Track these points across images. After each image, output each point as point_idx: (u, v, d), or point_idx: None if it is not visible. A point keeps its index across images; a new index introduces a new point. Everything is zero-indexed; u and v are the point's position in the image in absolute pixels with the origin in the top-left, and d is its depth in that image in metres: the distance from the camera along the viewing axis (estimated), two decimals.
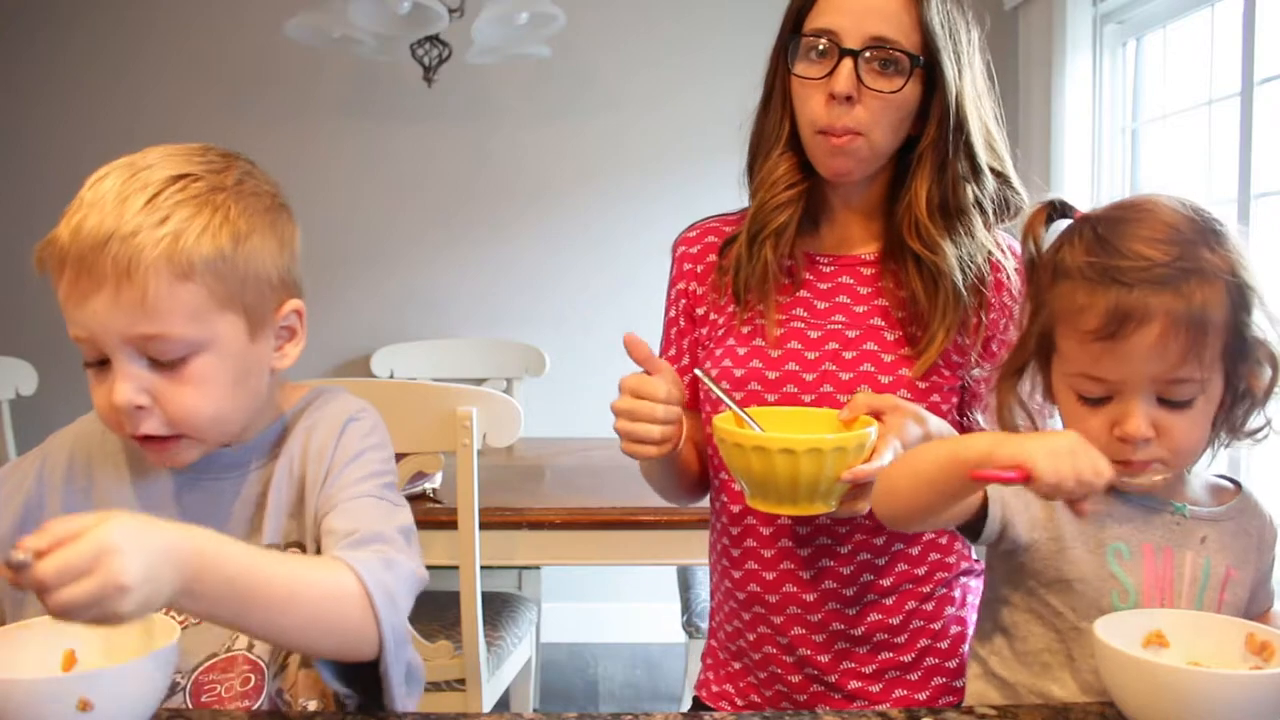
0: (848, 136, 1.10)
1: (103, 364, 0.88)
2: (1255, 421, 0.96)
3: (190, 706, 0.91)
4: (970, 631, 1.16)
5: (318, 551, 0.94)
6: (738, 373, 1.17)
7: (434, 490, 1.94)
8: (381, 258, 3.27)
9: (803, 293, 1.19)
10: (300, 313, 0.98)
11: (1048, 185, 2.97)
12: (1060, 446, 0.83)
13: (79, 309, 0.85)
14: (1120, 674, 0.81)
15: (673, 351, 1.29)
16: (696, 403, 1.26)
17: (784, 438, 0.97)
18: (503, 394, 1.75)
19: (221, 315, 0.89)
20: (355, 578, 0.83)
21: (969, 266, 1.14)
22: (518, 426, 1.74)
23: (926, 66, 1.10)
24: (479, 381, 2.85)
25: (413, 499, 1.88)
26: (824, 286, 1.19)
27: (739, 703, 1.22)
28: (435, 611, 2.02)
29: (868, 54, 1.08)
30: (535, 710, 2.40)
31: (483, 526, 1.73)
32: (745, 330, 1.19)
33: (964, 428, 1.19)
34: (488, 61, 2.80)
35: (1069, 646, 0.95)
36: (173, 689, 0.90)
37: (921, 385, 1.14)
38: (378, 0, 2.50)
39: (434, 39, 2.81)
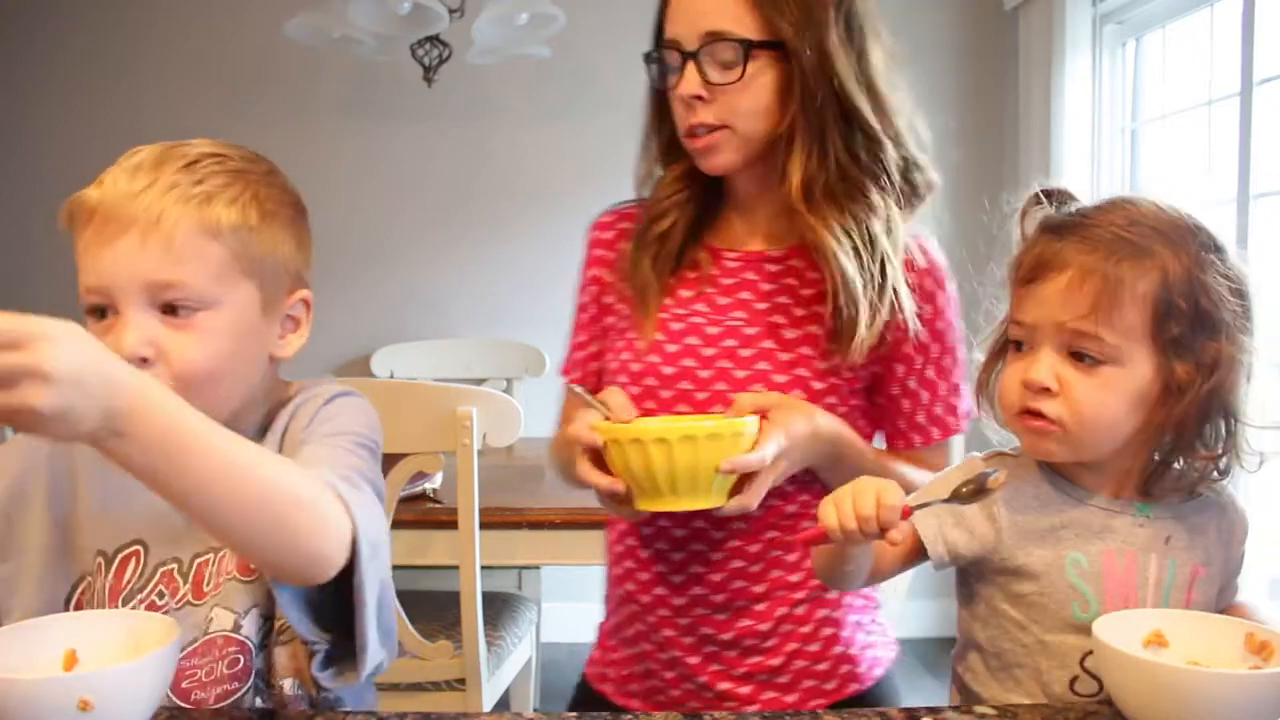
0: (709, 135, 1.10)
1: (103, 318, 0.87)
2: (1222, 442, 0.93)
3: (170, 694, 0.90)
4: (844, 633, 1.16)
5: None
6: (635, 367, 1.16)
7: (434, 490, 1.94)
8: (381, 258, 3.27)
9: (707, 288, 1.18)
10: (308, 303, 0.99)
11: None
12: (841, 492, 0.87)
13: (100, 253, 0.86)
14: (1120, 674, 0.81)
15: (584, 337, 1.27)
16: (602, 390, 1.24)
17: (657, 428, 0.98)
18: (503, 394, 1.75)
19: (241, 281, 0.91)
20: (319, 480, 0.80)
21: (865, 248, 1.10)
22: (518, 426, 1.74)
23: (774, 46, 1.08)
24: (479, 381, 2.85)
25: (413, 499, 1.88)
26: (727, 282, 1.18)
27: (615, 682, 1.22)
28: (435, 611, 2.02)
29: (706, 51, 1.08)
30: (535, 710, 2.40)
31: (483, 526, 1.73)
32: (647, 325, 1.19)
33: (879, 431, 1.19)
34: (488, 62, 2.80)
35: (1036, 660, 0.94)
36: None
37: (818, 385, 1.11)
38: (378, 0, 2.50)
39: (434, 39, 2.81)
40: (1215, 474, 0.95)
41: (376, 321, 3.25)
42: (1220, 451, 0.93)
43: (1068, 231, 0.92)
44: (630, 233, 1.22)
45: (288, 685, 0.93)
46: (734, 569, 1.14)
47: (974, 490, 0.89)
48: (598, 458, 1.04)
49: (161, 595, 0.92)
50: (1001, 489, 0.92)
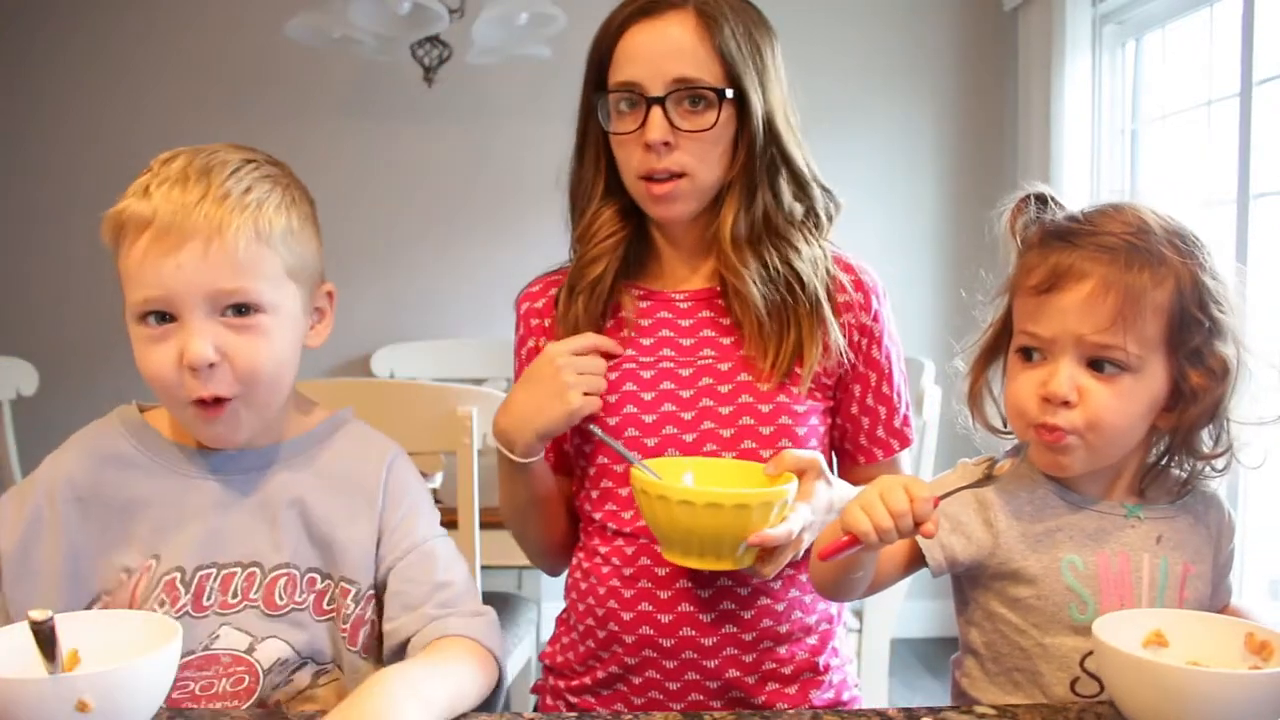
0: (671, 182, 1.10)
1: (161, 323, 0.90)
2: (1215, 444, 0.94)
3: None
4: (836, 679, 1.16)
5: (375, 589, 1.00)
6: (611, 420, 1.14)
7: (434, 490, 1.94)
8: (381, 258, 3.27)
9: (630, 332, 1.18)
10: (332, 294, 1.04)
11: (1047, 185, 2.96)
12: (868, 495, 0.87)
13: (160, 264, 0.88)
14: (1120, 674, 0.81)
15: None
16: (566, 464, 1.24)
17: (686, 489, 0.97)
18: (503, 394, 1.75)
19: (287, 283, 0.95)
20: (490, 656, 0.95)
21: (794, 287, 1.12)
22: None
23: (736, 95, 1.10)
24: (479, 381, 2.85)
25: None
26: (645, 323, 1.18)
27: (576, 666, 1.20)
28: None
29: (674, 97, 1.08)
30: (535, 710, 2.40)
31: (483, 526, 1.73)
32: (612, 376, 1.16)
33: (844, 457, 1.20)
34: (488, 62, 2.80)
35: (1036, 664, 0.95)
36: None
37: (764, 409, 1.11)
38: (378, 0, 2.50)
39: (434, 39, 2.81)
40: (1212, 472, 0.96)
41: (376, 321, 3.25)
42: (1218, 451, 0.94)
43: (1078, 240, 0.92)
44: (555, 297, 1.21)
45: None
46: (761, 606, 1.12)
47: (986, 477, 0.92)
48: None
49: (162, 603, 0.93)
50: (998, 494, 0.96)
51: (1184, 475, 0.96)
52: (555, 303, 1.21)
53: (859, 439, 1.19)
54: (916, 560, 0.99)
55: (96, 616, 0.87)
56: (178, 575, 0.94)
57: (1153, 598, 0.93)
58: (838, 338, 1.13)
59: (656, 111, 1.08)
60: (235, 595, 0.95)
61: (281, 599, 0.96)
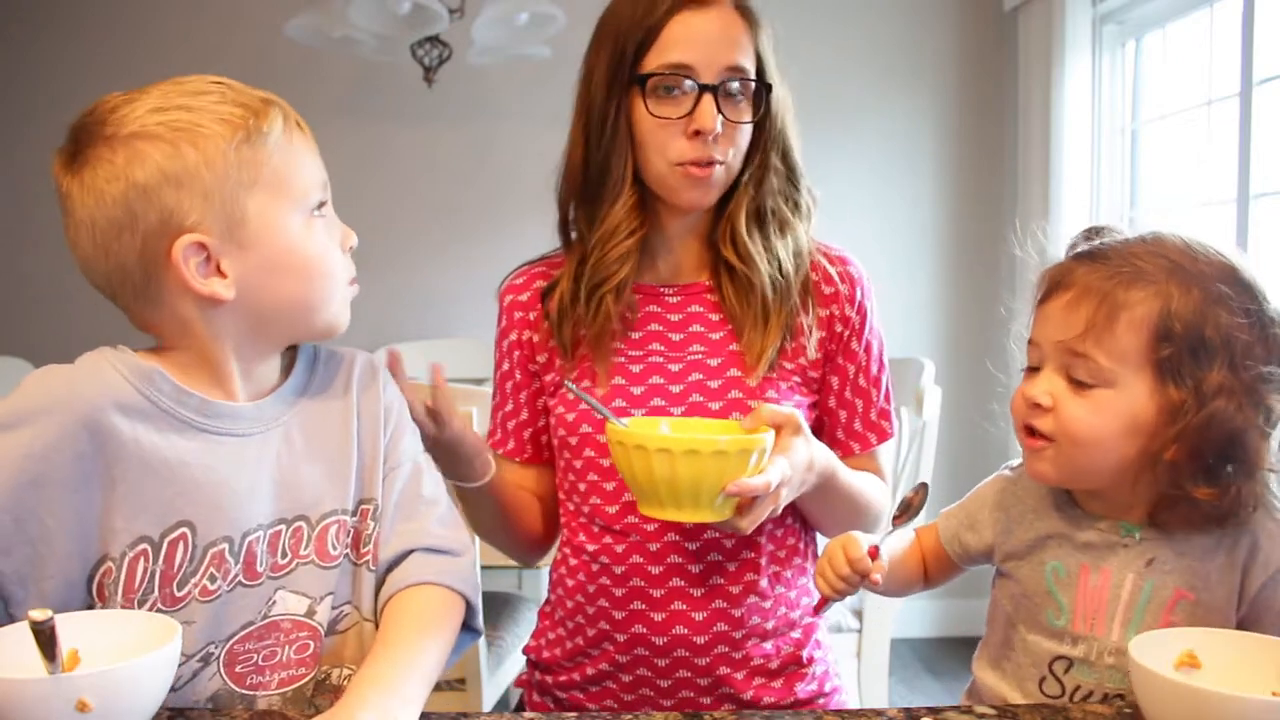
0: (711, 167, 1.10)
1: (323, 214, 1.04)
2: (1215, 483, 0.88)
3: (223, 676, 0.89)
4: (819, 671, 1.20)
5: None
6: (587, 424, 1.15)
7: None
8: (381, 258, 3.27)
9: (618, 325, 1.17)
10: None
11: (1047, 185, 2.98)
12: (820, 564, 1.00)
13: (318, 160, 1.06)
14: (1157, 696, 0.77)
15: (509, 407, 1.24)
16: (539, 456, 1.24)
17: (663, 436, 0.96)
18: None
19: None
20: (462, 601, 0.97)
21: (787, 272, 1.15)
22: None
23: (768, 88, 1.13)
24: (479, 381, 2.85)
25: None
26: (633, 316, 1.18)
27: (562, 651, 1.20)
28: None
29: (726, 86, 1.09)
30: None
31: None
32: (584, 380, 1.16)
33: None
34: (488, 62, 2.80)
35: (1018, 655, 0.98)
36: (206, 659, 0.88)
37: (752, 405, 1.10)
38: (378, 0, 2.50)
39: (434, 39, 2.82)
40: (1234, 516, 0.89)
41: (376, 321, 3.25)
42: (1223, 492, 0.88)
43: (1088, 257, 0.92)
44: (543, 291, 1.21)
45: (348, 674, 0.93)
46: (750, 604, 1.14)
47: (902, 513, 1.02)
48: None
49: (213, 579, 0.88)
50: (1012, 499, 1.01)
51: (1213, 512, 0.89)
52: (542, 296, 1.20)
53: (836, 433, 1.20)
54: (944, 558, 1.07)
55: (96, 616, 0.87)
56: (226, 546, 0.88)
57: (1128, 617, 0.92)
58: (814, 329, 1.16)
59: (709, 99, 1.08)
60: (284, 555, 0.91)
61: (334, 549, 0.93)
